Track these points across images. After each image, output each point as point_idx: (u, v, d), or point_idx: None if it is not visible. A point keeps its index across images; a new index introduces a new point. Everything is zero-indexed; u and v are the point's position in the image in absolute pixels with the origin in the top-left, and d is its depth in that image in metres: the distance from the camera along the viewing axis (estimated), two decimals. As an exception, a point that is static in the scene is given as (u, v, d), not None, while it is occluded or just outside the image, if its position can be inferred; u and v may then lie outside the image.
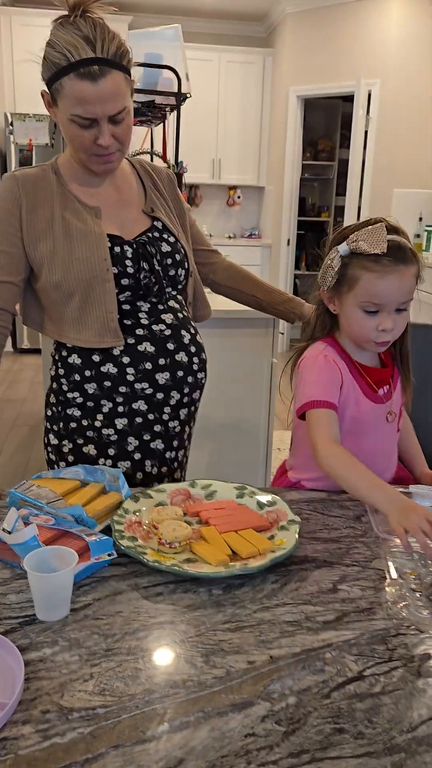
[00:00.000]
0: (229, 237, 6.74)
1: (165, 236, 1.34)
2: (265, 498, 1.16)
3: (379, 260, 1.11)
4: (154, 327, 1.29)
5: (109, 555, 0.98)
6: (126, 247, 1.27)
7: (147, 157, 3.23)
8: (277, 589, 0.95)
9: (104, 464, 1.29)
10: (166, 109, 2.84)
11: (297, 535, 1.03)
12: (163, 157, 3.04)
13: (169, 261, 1.32)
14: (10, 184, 1.25)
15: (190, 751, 0.66)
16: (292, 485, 1.33)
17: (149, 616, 0.87)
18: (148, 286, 1.29)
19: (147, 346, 1.28)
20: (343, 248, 1.15)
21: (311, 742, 0.68)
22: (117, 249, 1.26)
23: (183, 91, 2.58)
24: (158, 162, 3.21)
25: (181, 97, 2.59)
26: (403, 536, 0.95)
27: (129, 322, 1.28)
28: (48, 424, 1.36)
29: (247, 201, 6.79)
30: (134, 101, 2.80)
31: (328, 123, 6.80)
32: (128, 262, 1.26)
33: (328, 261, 1.17)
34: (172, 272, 1.33)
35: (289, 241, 6.06)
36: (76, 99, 1.15)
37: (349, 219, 5.25)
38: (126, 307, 1.28)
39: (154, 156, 3.11)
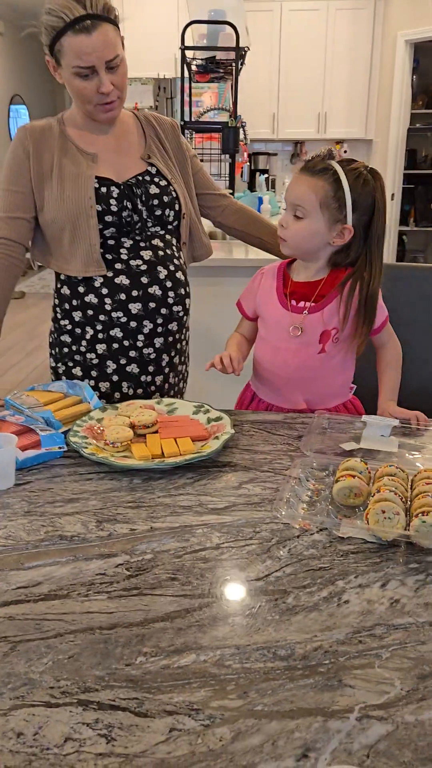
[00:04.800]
0: (335, 193, 6.64)
1: (156, 179, 1.49)
2: (215, 415, 1.31)
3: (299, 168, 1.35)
4: (132, 262, 1.46)
5: (59, 447, 1.18)
6: (113, 188, 1.44)
7: (216, 113, 3.34)
8: (188, 483, 1.10)
9: (87, 383, 1.49)
10: (232, 65, 2.93)
11: (221, 444, 1.17)
12: (232, 113, 3.13)
13: (156, 202, 1.47)
14: (21, 135, 1.46)
15: (50, 578, 0.85)
16: (251, 396, 1.49)
17: (72, 493, 1.07)
18: (130, 224, 1.45)
19: (123, 279, 1.45)
20: None
21: (145, 584, 0.84)
22: (104, 189, 1.43)
23: (241, 45, 2.65)
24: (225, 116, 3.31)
25: (240, 51, 2.67)
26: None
27: (110, 257, 1.45)
28: (50, 348, 1.58)
29: (354, 155, 6.61)
30: (198, 58, 2.93)
31: (445, 68, 6.42)
32: (113, 201, 1.43)
33: None
34: (158, 212, 1.48)
35: (393, 195, 5.89)
36: (75, 53, 1.33)
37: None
38: (111, 242, 1.45)
39: (225, 111, 3.20)
